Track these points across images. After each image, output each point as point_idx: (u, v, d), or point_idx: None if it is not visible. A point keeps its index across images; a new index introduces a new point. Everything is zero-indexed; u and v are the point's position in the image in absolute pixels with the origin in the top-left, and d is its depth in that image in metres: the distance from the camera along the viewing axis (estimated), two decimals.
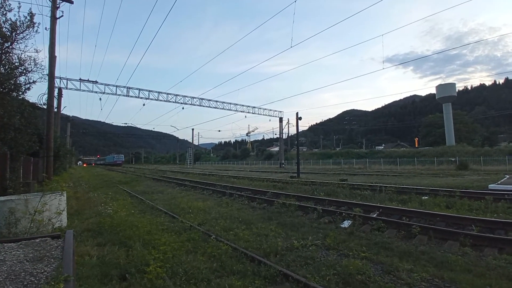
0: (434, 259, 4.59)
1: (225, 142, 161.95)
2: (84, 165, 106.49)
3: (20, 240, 3.46)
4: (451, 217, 7.02)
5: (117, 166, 79.44)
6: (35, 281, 2.19)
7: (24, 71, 10.05)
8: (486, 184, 13.62)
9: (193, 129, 75.36)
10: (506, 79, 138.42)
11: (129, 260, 4.28)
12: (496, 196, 9.74)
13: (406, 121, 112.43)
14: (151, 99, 36.44)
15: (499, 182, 14.11)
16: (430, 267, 4.26)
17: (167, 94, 37.84)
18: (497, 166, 28.28)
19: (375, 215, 7.80)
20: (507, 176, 17.73)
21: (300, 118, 24.98)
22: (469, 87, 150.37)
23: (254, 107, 46.40)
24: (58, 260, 2.68)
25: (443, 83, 70.90)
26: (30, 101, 12.22)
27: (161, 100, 37.25)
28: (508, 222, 6.33)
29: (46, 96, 14.14)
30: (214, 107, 41.86)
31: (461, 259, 4.58)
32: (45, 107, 14.28)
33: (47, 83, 13.47)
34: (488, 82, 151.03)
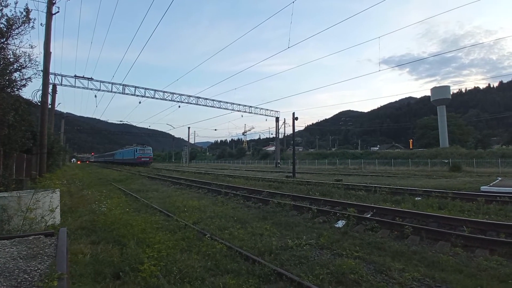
0: (426, 259, 4.66)
1: (221, 141, 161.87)
2: (78, 162, 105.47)
3: (14, 237, 3.44)
4: (443, 218, 7.12)
5: (141, 167, 46.14)
6: (29, 278, 2.18)
7: (19, 67, 9.93)
8: (478, 186, 13.79)
9: (189, 128, 74.84)
10: (501, 83, 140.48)
11: (123, 258, 4.27)
12: (488, 198, 9.88)
13: (401, 122, 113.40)
14: (147, 97, 36.17)
15: (491, 184, 14.29)
16: (421, 267, 4.32)
17: (164, 92, 37.61)
18: (489, 168, 28.63)
19: (369, 215, 7.87)
20: (500, 178, 17.97)
21: (297, 118, 25.06)
22: (463, 90, 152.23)
23: (250, 106, 46.34)
24: (51, 258, 2.68)
25: (438, 85, 71.84)
26: (24, 97, 12.10)
27: (157, 98, 37.01)
28: (499, 223, 6.43)
29: (40, 92, 13.99)
30: (210, 106, 41.68)
31: (452, 259, 4.65)
32: (39, 103, 14.12)
33: (41, 79, 13.33)
34: (482, 85, 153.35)
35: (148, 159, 52.74)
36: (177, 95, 38.62)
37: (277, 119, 50.49)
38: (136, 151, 52.13)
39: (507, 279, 3.87)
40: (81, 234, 5.61)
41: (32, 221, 4.86)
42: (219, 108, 42.54)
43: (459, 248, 5.17)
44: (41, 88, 13.75)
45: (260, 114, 47.96)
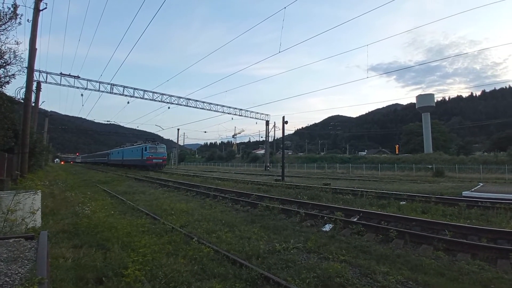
0: (409, 262, 4.76)
1: (210, 143, 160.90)
2: (62, 163, 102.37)
3: None
4: (426, 222, 7.29)
5: (151, 171, 35.74)
6: (10, 281, 2.16)
7: (4, 64, 9.63)
8: (460, 191, 14.22)
9: (178, 129, 73.88)
10: (483, 92, 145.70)
11: (106, 262, 4.17)
12: (470, 203, 10.19)
13: (388, 128, 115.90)
14: (136, 97, 35.62)
15: (472, 189, 14.77)
16: (405, 270, 4.41)
17: (153, 92, 37.13)
18: (471, 174, 29.54)
19: (356, 219, 7.98)
20: (481, 184, 18.58)
21: (286, 122, 25.25)
22: (447, 98, 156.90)
23: (241, 109, 46.36)
24: (32, 261, 2.60)
25: (423, 93, 74.12)
26: (7, 94, 11.72)
27: (146, 99, 36.48)
28: (481, 228, 6.61)
29: (24, 89, 13.57)
30: (200, 108, 41.45)
31: (435, 263, 4.77)
32: (22, 101, 13.70)
33: (25, 76, 12.94)
34: (465, 93, 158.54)
35: (161, 160, 39.62)
36: (167, 96, 38.23)
37: (267, 123, 50.68)
38: (145, 150, 38.06)
39: (489, 284, 3.99)
40: (63, 238, 5.44)
41: (13, 223, 4.69)
42: (209, 110, 42.40)
43: (441, 252, 5.30)
44: (25, 85, 13.34)
45: (250, 117, 48.04)
